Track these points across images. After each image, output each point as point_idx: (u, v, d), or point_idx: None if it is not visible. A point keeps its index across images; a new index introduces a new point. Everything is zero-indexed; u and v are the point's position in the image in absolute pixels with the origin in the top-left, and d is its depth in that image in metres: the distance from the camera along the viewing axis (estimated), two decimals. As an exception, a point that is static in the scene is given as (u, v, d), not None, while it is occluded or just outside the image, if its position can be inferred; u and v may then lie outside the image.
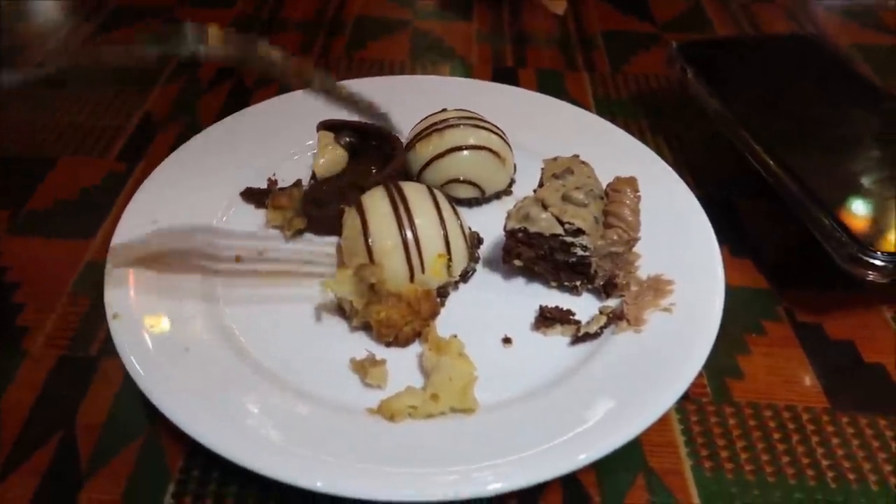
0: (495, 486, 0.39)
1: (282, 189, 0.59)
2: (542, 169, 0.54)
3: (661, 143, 0.72)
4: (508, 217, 0.52)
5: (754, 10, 0.97)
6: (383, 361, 0.46)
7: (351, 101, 0.46)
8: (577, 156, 0.55)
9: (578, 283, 0.52)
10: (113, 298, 0.48)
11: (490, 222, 0.57)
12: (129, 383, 0.47)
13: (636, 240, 0.50)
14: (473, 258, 0.54)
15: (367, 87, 0.70)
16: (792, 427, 0.47)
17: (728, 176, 0.67)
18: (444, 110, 0.61)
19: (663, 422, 0.47)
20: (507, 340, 0.49)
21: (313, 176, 0.57)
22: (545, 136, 0.64)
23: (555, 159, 0.54)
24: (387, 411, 0.43)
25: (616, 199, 0.51)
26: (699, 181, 0.65)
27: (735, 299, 0.53)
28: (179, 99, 0.76)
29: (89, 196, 0.63)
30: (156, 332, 0.46)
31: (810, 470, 0.45)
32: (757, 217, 0.63)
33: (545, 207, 0.51)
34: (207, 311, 0.49)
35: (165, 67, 0.80)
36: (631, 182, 0.51)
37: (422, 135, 0.59)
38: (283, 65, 0.43)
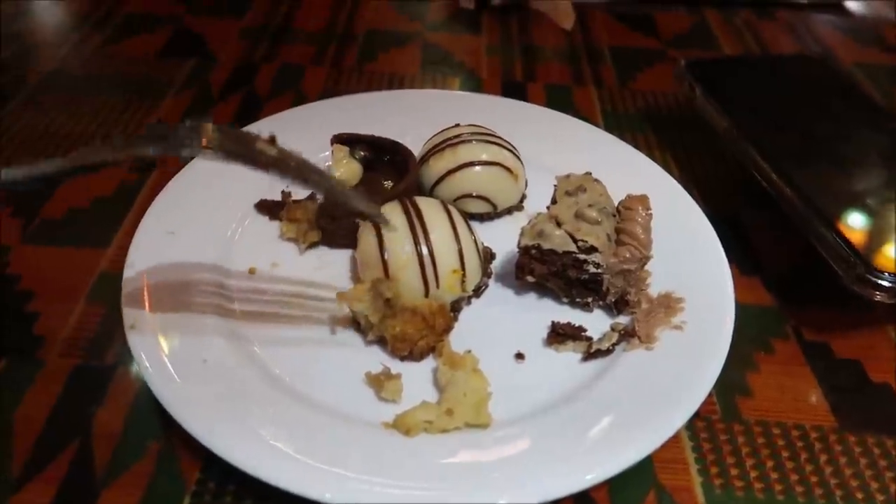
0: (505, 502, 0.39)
1: (296, 201, 0.59)
2: (555, 186, 0.55)
3: (668, 159, 0.73)
4: (522, 234, 0.52)
5: (759, 28, 0.99)
6: (398, 376, 0.47)
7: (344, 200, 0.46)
8: (589, 173, 0.55)
9: (590, 299, 0.53)
10: (130, 309, 0.48)
11: (502, 237, 0.58)
12: (144, 393, 0.48)
13: (648, 258, 0.51)
14: (486, 273, 0.55)
15: (380, 101, 0.72)
16: (800, 445, 0.48)
17: (735, 194, 0.68)
18: (456, 125, 0.61)
19: (674, 439, 0.47)
20: (519, 356, 0.50)
21: (328, 189, 0.58)
22: (556, 152, 0.65)
23: (567, 176, 0.55)
24: (402, 426, 0.43)
25: (628, 217, 0.52)
26: (707, 198, 0.65)
27: (743, 317, 0.53)
28: (191, 108, 0.76)
29: (102, 206, 0.63)
30: (172, 343, 0.47)
31: (819, 489, 0.45)
32: (764, 235, 0.64)
33: (559, 225, 0.51)
34: (223, 322, 0.50)
35: (174, 78, 0.81)
36: (643, 200, 0.52)
37: (435, 150, 0.59)
38: (280, 159, 0.43)
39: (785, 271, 0.60)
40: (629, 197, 0.53)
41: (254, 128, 0.66)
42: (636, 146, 0.68)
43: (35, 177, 0.41)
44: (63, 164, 0.41)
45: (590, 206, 0.52)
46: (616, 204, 0.54)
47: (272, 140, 0.42)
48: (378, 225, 0.51)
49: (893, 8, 1.02)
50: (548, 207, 0.53)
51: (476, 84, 0.84)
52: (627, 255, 0.50)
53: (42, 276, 0.56)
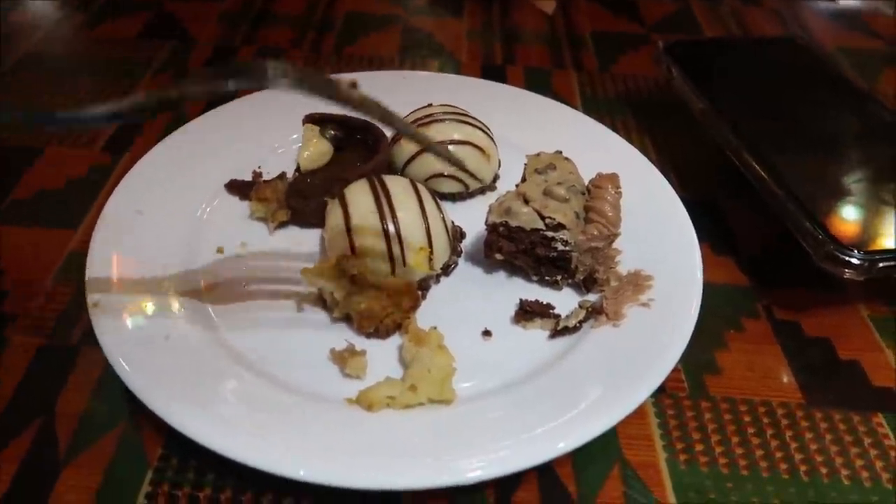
0: (472, 475, 0.39)
1: (266, 181, 0.59)
2: (525, 164, 0.54)
3: (646, 142, 0.72)
4: (490, 211, 0.52)
5: (743, 13, 0.98)
6: (363, 352, 0.47)
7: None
8: (559, 152, 0.55)
9: (559, 277, 0.53)
10: (94, 286, 0.48)
11: (474, 217, 0.58)
12: (108, 373, 0.47)
13: (616, 235, 0.51)
14: (456, 252, 0.54)
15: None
16: (767, 422, 0.48)
17: (712, 176, 0.68)
18: (429, 105, 0.61)
19: (640, 415, 0.47)
20: (486, 333, 0.50)
21: (298, 168, 0.58)
22: (531, 132, 0.65)
23: (537, 155, 0.55)
24: (365, 401, 0.43)
25: (597, 195, 0.51)
26: (683, 181, 0.65)
27: (715, 296, 0.53)
28: (167, 91, 0.76)
29: (74, 187, 0.63)
30: (136, 320, 0.47)
31: (784, 464, 0.45)
32: (739, 216, 0.64)
33: (527, 202, 0.51)
34: (188, 300, 0.49)
35: (153, 60, 0.80)
36: (612, 178, 0.52)
37: (407, 129, 0.59)
38: (364, 99, 0.42)
39: (758, 252, 0.60)
40: (599, 175, 0.53)
41: (228, 108, 0.67)
42: (615, 129, 0.68)
43: (115, 113, 0.41)
44: (144, 100, 0.41)
45: (559, 183, 0.52)
46: (586, 182, 0.54)
47: (354, 84, 0.42)
48: (345, 203, 0.51)
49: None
50: (517, 186, 0.53)
51: (455, 67, 0.83)
52: (595, 233, 0.50)
53: (10, 256, 0.56)
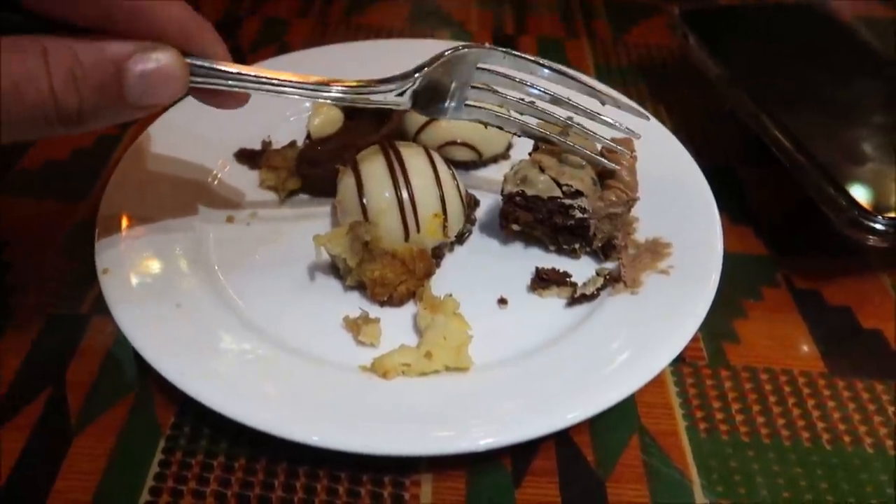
0: (487, 441, 0.38)
1: (276, 150, 0.58)
2: (538, 131, 0.53)
3: (662, 110, 0.71)
4: (506, 181, 0.51)
5: (758, -19, 0.96)
6: (377, 320, 0.46)
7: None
8: (570, 118, 0.54)
9: (577, 245, 0.52)
10: (103, 253, 0.47)
11: (487, 186, 0.57)
12: (119, 341, 0.47)
13: (635, 200, 0.50)
14: (469, 220, 0.53)
15: (365, 50, 0.70)
16: (788, 390, 0.47)
17: (729, 143, 0.67)
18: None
19: (658, 384, 0.47)
20: (502, 301, 0.49)
21: (308, 136, 0.56)
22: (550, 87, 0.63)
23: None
24: (380, 368, 0.42)
25: (613, 161, 0.50)
26: (700, 149, 0.64)
27: (734, 265, 0.52)
28: (173, 62, 0.74)
29: (81, 157, 0.62)
30: (146, 287, 0.46)
31: (805, 432, 0.44)
32: (758, 184, 0.62)
33: (542, 170, 0.50)
34: (200, 268, 0.49)
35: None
36: (627, 143, 0.51)
37: (419, 96, 0.58)
38: None
39: (777, 220, 0.59)
40: (613, 140, 0.51)
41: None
42: (629, 98, 0.66)
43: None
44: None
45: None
46: (600, 148, 0.52)
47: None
48: (358, 170, 0.50)
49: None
50: (530, 154, 0.52)
51: (465, 37, 0.82)
52: (614, 199, 0.49)
53: (18, 226, 0.55)
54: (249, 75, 0.41)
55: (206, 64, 0.40)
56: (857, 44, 0.69)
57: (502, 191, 0.51)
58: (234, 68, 0.41)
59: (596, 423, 0.44)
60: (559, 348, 0.45)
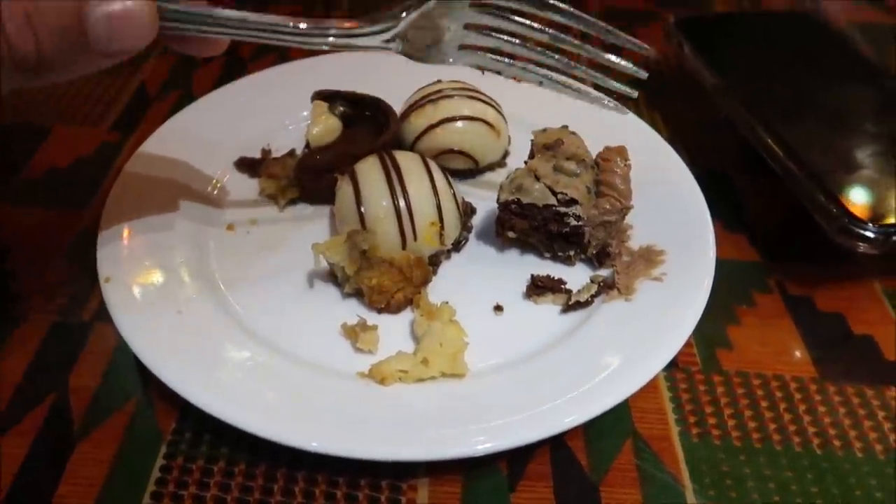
0: (483, 447, 0.39)
1: (275, 158, 0.58)
2: (532, 140, 0.54)
3: (657, 118, 0.72)
4: (501, 189, 0.52)
5: (754, -10, 0.97)
6: (375, 327, 0.47)
7: None
8: (565, 126, 0.55)
9: (572, 252, 0.52)
10: (105, 262, 0.48)
11: (484, 194, 0.58)
12: (121, 348, 0.48)
13: (629, 208, 0.50)
14: (466, 227, 0.54)
15: (361, 58, 0.71)
16: (779, 395, 0.47)
17: (724, 151, 0.67)
18: (438, 81, 0.61)
19: (652, 389, 0.47)
20: (498, 308, 0.50)
21: (307, 145, 0.57)
22: (540, 108, 0.64)
23: (544, 130, 0.54)
24: (377, 374, 0.43)
25: (606, 168, 0.51)
26: (695, 156, 0.64)
27: (727, 272, 0.53)
28: (174, 70, 0.75)
29: (83, 166, 0.63)
30: (148, 295, 0.47)
31: (797, 437, 0.45)
32: (751, 192, 0.63)
33: (537, 178, 0.51)
34: (200, 276, 0.49)
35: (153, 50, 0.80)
36: (620, 151, 0.52)
37: (416, 105, 0.59)
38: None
39: (770, 228, 0.60)
40: (607, 148, 0.52)
41: (236, 86, 0.67)
42: (624, 106, 0.67)
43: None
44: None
45: (568, 158, 0.51)
46: (594, 156, 0.53)
47: None
48: (356, 178, 0.50)
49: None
50: (526, 162, 0.53)
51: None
52: (608, 207, 0.50)
53: (21, 234, 0.56)
54: (226, 18, 0.39)
55: (177, 7, 0.37)
56: (851, 53, 0.70)
57: (498, 199, 0.52)
58: (207, 11, 0.38)
59: (590, 428, 0.44)
60: (554, 354, 0.46)
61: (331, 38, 0.42)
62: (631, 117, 0.64)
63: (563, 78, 0.47)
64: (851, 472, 0.43)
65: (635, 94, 0.48)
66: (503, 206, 0.52)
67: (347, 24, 0.42)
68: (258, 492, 0.41)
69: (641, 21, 0.89)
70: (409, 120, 0.59)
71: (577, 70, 0.46)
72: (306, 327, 0.47)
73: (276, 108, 0.64)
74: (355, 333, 0.46)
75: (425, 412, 0.42)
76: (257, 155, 0.60)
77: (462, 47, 0.45)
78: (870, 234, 0.49)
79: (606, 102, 0.48)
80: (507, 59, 0.46)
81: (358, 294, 0.49)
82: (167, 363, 0.42)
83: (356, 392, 0.43)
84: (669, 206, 0.55)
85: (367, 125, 0.59)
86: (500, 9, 0.44)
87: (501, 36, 0.45)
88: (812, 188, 0.53)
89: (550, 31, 0.45)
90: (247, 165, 0.59)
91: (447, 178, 0.52)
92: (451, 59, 0.45)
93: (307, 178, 0.56)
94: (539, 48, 0.46)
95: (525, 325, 0.48)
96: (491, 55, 0.46)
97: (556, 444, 0.44)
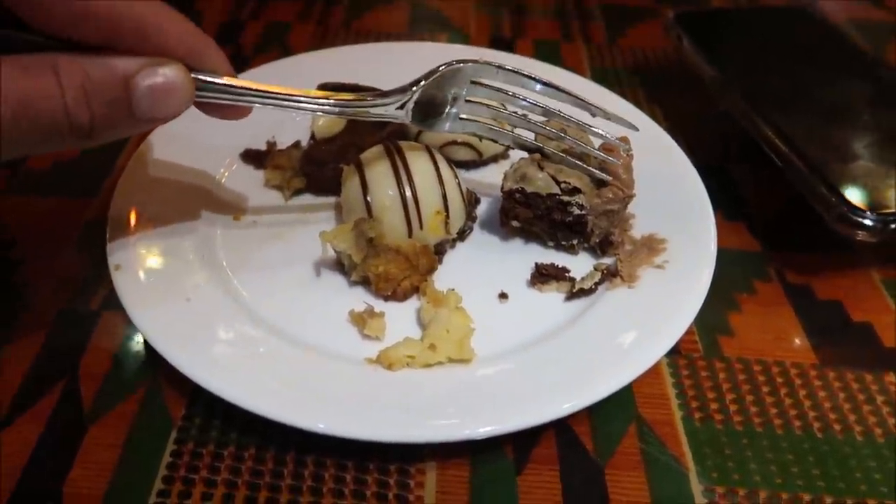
0: (489, 429, 0.40)
1: (281, 150, 0.59)
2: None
3: (657, 111, 0.72)
4: (505, 178, 0.52)
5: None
6: (382, 314, 0.47)
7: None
8: (563, 129, 0.55)
9: (575, 241, 0.53)
10: (115, 251, 0.48)
11: (488, 184, 0.58)
12: (130, 336, 0.49)
13: (631, 197, 0.51)
14: (471, 217, 0.55)
15: (367, 53, 0.71)
16: (780, 381, 0.48)
17: (723, 143, 0.68)
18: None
19: (655, 375, 0.48)
20: (503, 296, 0.50)
21: (312, 137, 0.58)
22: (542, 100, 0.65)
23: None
24: (385, 360, 0.44)
25: (609, 160, 0.52)
26: (695, 148, 0.65)
27: (728, 261, 0.54)
28: (178, 64, 0.76)
29: (90, 156, 0.63)
30: (157, 283, 0.47)
31: (797, 421, 0.46)
32: (751, 182, 0.64)
33: (541, 168, 0.51)
34: (208, 264, 0.50)
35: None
36: (623, 141, 0.52)
37: (420, 97, 0.59)
38: None
39: (770, 217, 0.61)
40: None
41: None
42: (624, 99, 0.68)
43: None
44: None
45: (571, 148, 0.52)
46: (597, 146, 0.54)
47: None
48: (362, 168, 0.51)
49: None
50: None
51: (463, 41, 0.83)
52: (610, 196, 0.51)
53: (29, 224, 0.56)
54: (252, 90, 0.43)
55: (211, 79, 0.41)
56: (848, 46, 0.71)
57: (502, 188, 0.52)
58: (237, 83, 0.42)
59: (595, 413, 0.45)
60: (558, 341, 0.46)
61: (345, 108, 0.47)
62: (632, 109, 0.65)
63: (552, 148, 0.51)
64: (851, 455, 0.44)
65: (637, 128, 0.52)
66: (507, 195, 0.52)
67: (360, 96, 0.47)
68: (268, 475, 0.42)
69: (640, 17, 0.90)
70: (413, 111, 0.59)
71: (567, 139, 0.51)
72: (314, 314, 0.48)
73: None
74: (363, 320, 0.47)
75: (433, 396, 0.42)
76: (263, 146, 0.61)
77: (463, 118, 0.50)
78: (867, 223, 0.50)
79: (598, 174, 0.51)
80: (505, 129, 0.51)
81: (365, 282, 0.50)
82: (177, 348, 0.43)
83: (364, 376, 0.43)
84: (671, 195, 0.55)
85: (372, 117, 0.59)
86: (498, 89, 0.49)
87: (498, 108, 0.50)
88: (810, 178, 0.54)
89: (542, 105, 0.50)
90: (252, 157, 0.60)
91: (452, 168, 0.53)
92: (453, 128, 0.50)
93: (312, 169, 0.56)
94: (533, 121, 0.51)
95: (530, 312, 0.49)
96: (489, 126, 0.51)
97: (562, 429, 0.44)
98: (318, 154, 0.56)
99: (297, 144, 0.59)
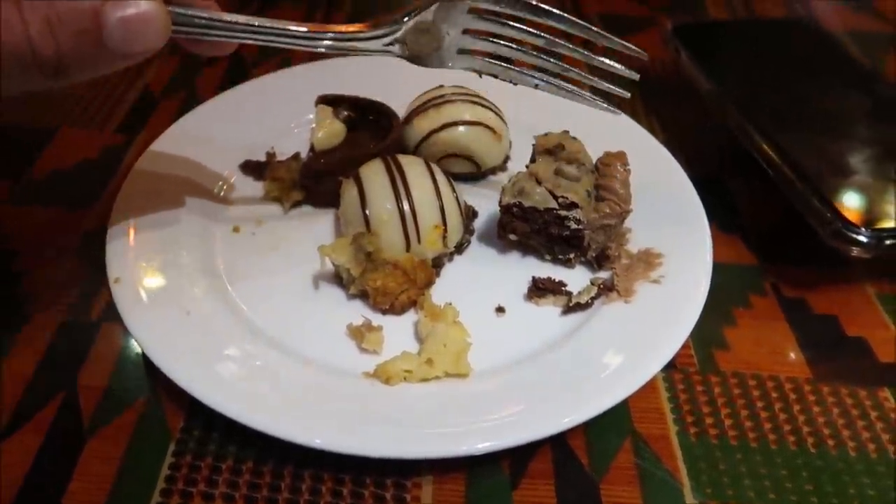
0: (485, 445, 0.40)
1: (280, 162, 0.59)
2: (534, 145, 0.55)
3: (654, 123, 0.73)
4: (503, 192, 0.53)
5: (751, -1, 0.98)
6: (379, 327, 0.48)
7: None
8: (566, 131, 0.56)
9: (572, 255, 0.53)
10: (114, 263, 0.49)
11: (485, 197, 0.59)
12: (128, 348, 0.49)
13: (628, 212, 0.52)
14: (468, 230, 0.55)
15: (365, 63, 0.72)
16: (775, 396, 0.49)
17: (720, 156, 0.68)
18: (440, 86, 0.62)
19: (651, 390, 0.48)
20: (500, 310, 0.51)
21: (312, 149, 0.58)
22: (541, 113, 0.65)
23: (546, 135, 0.55)
24: (382, 374, 0.44)
25: (606, 173, 0.52)
26: (691, 161, 0.65)
27: (724, 274, 0.54)
28: (178, 73, 0.76)
29: (89, 167, 0.64)
30: (157, 296, 0.47)
31: (791, 436, 0.46)
32: (747, 196, 0.64)
33: (539, 182, 0.52)
34: (207, 277, 0.50)
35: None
36: (620, 156, 0.53)
37: (419, 110, 0.60)
38: None
39: (765, 231, 0.61)
40: (607, 154, 0.53)
41: (241, 89, 0.68)
42: (622, 111, 0.68)
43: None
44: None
45: (569, 163, 0.52)
46: (594, 161, 0.54)
47: None
48: (360, 182, 0.51)
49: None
50: (527, 166, 0.54)
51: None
52: (607, 211, 0.51)
53: (29, 235, 0.57)
54: (233, 23, 0.41)
55: (189, 12, 0.39)
56: (845, 59, 0.71)
57: (500, 202, 0.53)
58: (217, 16, 0.40)
59: (590, 428, 0.45)
60: (555, 355, 0.47)
61: (333, 42, 0.43)
62: (630, 123, 0.65)
63: (557, 81, 0.49)
64: (845, 471, 0.44)
65: (628, 94, 0.50)
66: (505, 209, 0.53)
67: (350, 28, 0.44)
68: (266, 489, 0.42)
69: (637, 27, 0.90)
70: (412, 124, 0.60)
71: (571, 73, 0.48)
72: (312, 328, 0.48)
73: (281, 112, 0.65)
74: (361, 334, 0.47)
75: (429, 411, 0.43)
76: (262, 158, 0.61)
77: (461, 51, 0.47)
78: (862, 239, 0.51)
79: (600, 103, 0.50)
80: (503, 63, 0.48)
81: (363, 295, 0.50)
82: (176, 362, 0.43)
83: (361, 391, 0.44)
84: (667, 210, 0.56)
85: (371, 129, 0.60)
86: (498, 14, 0.45)
87: (499, 41, 0.47)
88: (806, 193, 0.54)
89: (546, 35, 0.46)
90: (252, 168, 0.60)
91: (450, 182, 0.53)
92: (449, 63, 0.47)
93: (312, 182, 0.57)
94: (535, 52, 0.47)
95: (526, 327, 0.50)
96: (488, 59, 0.47)
97: (557, 443, 0.45)
98: (317, 166, 0.56)
99: (296, 156, 0.60)
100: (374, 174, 0.52)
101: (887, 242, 0.51)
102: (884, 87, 0.67)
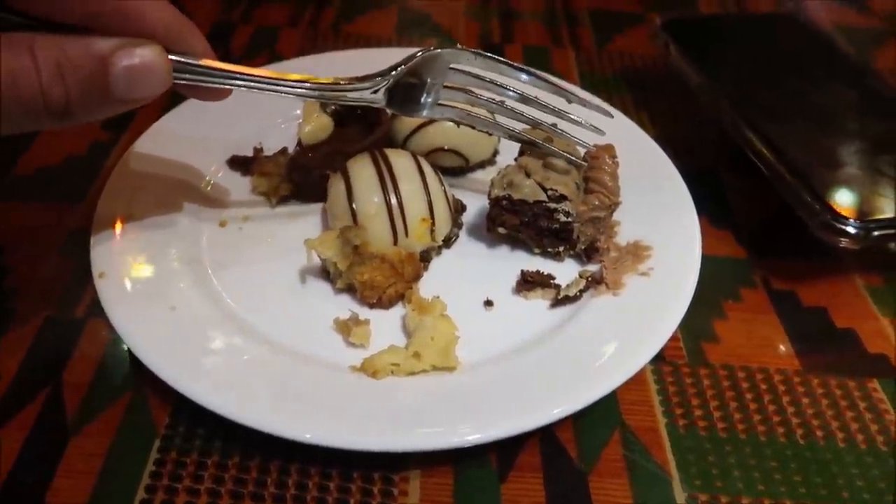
0: (473, 437, 0.40)
1: (268, 157, 0.59)
2: (523, 138, 0.55)
3: (644, 118, 0.73)
4: (492, 185, 0.52)
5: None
6: (367, 321, 0.47)
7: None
8: (555, 125, 0.55)
9: (561, 248, 0.53)
10: (99, 257, 0.48)
11: (474, 191, 0.58)
12: (114, 344, 0.48)
13: (617, 204, 0.51)
14: (456, 224, 0.55)
15: (354, 59, 0.71)
16: (764, 388, 0.48)
17: (710, 150, 0.68)
18: (429, 80, 0.61)
19: (639, 382, 0.48)
20: (488, 303, 0.51)
21: (299, 143, 0.58)
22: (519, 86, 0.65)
23: (534, 128, 0.55)
24: (369, 368, 0.44)
25: (595, 166, 0.52)
26: (681, 155, 0.65)
27: (713, 267, 0.54)
28: (166, 70, 0.75)
29: (75, 164, 0.63)
30: (142, 290, 0.47)
31: (780, 427, 0.46)
32: (737, 190, 0.64)
33: (528, 175, 0.52)
34: (193, 272, 0.50)
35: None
36: (608, 149, 0.52)
37: (407, 104, 0.59)
38: None
39: (755, 224, 0.61)
40: (596, 146, 0.53)
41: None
42: (613, 106, 0.68)
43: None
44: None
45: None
46: (583, 154, 0.54)
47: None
48: (348, 175, 0.51)
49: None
50: (516, 159, 0.54)
51: (452, 46, 0.83)
52: (596, 203, 0.51)
53: (14, 231, 0.56)
54: (229, 72, 0.43)
55: (189, 61, 0.41)
56: (835, 53, 0.71)
57: (489, 194, 0.52)
58: (215, 65, 0.42)
59: (579, 420, 0.45)
60: (543, 348, 0.46)
61: (325, 92, 0.46)
62: (618, 116, 0.65)
63: (528, 135, 0.52)
64: (834, 462, 0.44)
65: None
66: (494, 201, 0.52)
67: (341, 80, 0.47)
68: (252, 484, 0.42)
69: (628, 23, 0.90)
70: (400, 118, 0.59)
71: (542, 126, 0.52)
72: (299, 322, 0.48)
73: (269, 107, 0.64)
74: (348, 328, 0.47)
75: (417, 404, 0.42)
76: (249, 153, 0.60)
77: (440, 104, 0.50)
78: (851, 230, 0.51)
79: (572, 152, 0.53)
80: (480, 116, 0.51)
81: (350, 289, 0.50)
82: (161, 357, 0.43)
83: (349, 385, 0.43)
84: (656, 202, 0.56)
85: (359, 123, 0.59)
86: (476, 76, 0.49)
87: (476, 95, 0.50)
88: (795, 186, 0.54)
89: (519, 91, 0.50)
90: (239, 163, 0.60)
91: (438, 176, 0.53)
92: (429, 114, 0.50)
93: (299, 176, 0.56)
94: (508, 108, 0.51)
95: (515, 320, 0.49)
96: (467, 111, 0.51)
97: (546, 436, 0.45)
98: (304, 161, 0.56)
99: (283, 151, 0.59)
100: (361, 168, 0.51)
101: (875, 234, 0.51)
102: (873, 82, 0.67)
